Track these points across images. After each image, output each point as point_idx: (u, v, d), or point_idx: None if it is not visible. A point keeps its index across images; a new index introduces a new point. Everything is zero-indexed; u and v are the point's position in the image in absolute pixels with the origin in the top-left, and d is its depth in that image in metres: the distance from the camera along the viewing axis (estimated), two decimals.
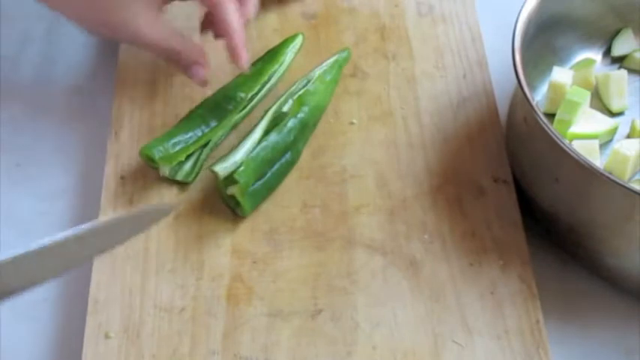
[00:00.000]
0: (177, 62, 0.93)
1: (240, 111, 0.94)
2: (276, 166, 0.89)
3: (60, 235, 0.70)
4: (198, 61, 0.92)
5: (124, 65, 0.99)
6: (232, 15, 0.91)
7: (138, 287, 0.83)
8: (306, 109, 0.92)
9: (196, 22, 0.96)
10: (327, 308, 0.82)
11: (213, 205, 0.88)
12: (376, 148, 0.93)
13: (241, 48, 0.91)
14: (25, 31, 1.06)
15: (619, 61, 0.99)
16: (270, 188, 0.89)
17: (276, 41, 1.00)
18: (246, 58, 0.91)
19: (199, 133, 0.91)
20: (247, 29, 0.92)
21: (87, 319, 0.81)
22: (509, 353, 0.79)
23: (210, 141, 0.91)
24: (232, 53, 0.91)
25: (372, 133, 0.94)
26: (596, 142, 0.89)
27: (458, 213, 0.88)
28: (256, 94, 0.95)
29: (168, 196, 0.89)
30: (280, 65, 0.98)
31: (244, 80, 0.94)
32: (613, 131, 0.93)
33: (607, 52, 1.00)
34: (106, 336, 0.79)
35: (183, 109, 0.95)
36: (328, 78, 0.95)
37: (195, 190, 0.90)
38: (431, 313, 0.81)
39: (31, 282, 0.70)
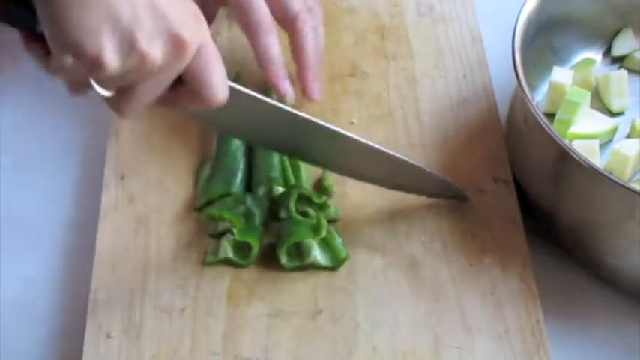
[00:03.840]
0: None
1: None
2: None
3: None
4: None
5: None
6: (310, 43, 0.91)
7: (138, 287, 0.83)
8: None
9: None
10: (328, 308, 0.82)
11: None
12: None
13: (311, 81, 0.92)
14: None
15: (619, 61, 1.00)
16: None
17: None
18: (317, 92, 0.92)
19: None
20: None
21: (87, 320, 0.80)
22: (510, 353, 0.79)
23: None
24: (305, 85, 0.92)
25: (372, 133, 0.94)
26: (596, 142, 0.89)
27: (458, 213, 0.88)
28: None
29: (169, 197, 0.89)
30: None
31: None
32: (613, 131, 0.93)
33: (607, 52, 1.00)
34: (108, 336, 0.79)
35: None
36: None
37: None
38: (431, 313, 0.81)
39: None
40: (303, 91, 0.92)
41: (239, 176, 0.89)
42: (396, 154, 0.85)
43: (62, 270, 0.87)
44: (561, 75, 0.94)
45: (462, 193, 0.88)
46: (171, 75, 0.72)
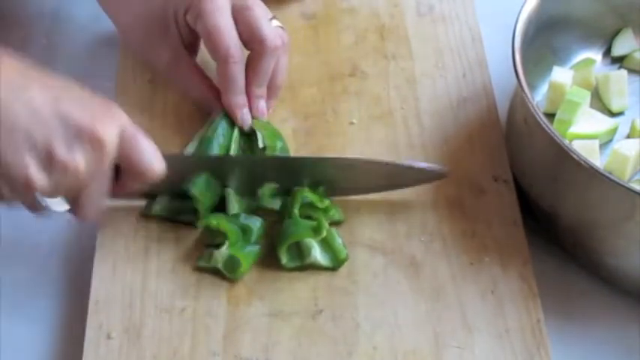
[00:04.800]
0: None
1: None
2: None
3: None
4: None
5: (123, 65, 0.99)
6: (266, 65, 0.91)
7: (138, 287, 0.83)
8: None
9: None
10: (328, 308, 0.82)
11: None
12: (376, 148, 0.93)
13: (254, 97, 0.92)
14: (26, 31, 1.06)
15: (619, 61, 1.00)
16: None
17: None
18: (260, 111, 0.92)
19: None
20: None
21: (88, 320, 0.80)
22: (510, 352, 0.79)
23: None
24: (248, 101, 0.91)
25: (372, 133, 0.94)
26: (596, 142, 0.89)
27: (458, 212, 0.88)
28: None
29: None
30: None
31: None
32: (613, 131, 0.93)
33: (607, 52, 1.00)
34: (108, 336, 0.79)
35: (183, 110, 0.95)
36: None
37: None
38: (431, 313, 0.81)
39: None
40: (249, 107, 0.92)
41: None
42: (366, 159, 0.88)
43: (62, 270, 0.87)
44: (561, 75, 0.94)
45: (440, 171, 0.88)
46: (105, 171, 0.75)
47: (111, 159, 0.75)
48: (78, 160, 0.72)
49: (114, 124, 0.75)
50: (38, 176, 0.71)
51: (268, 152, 0.89)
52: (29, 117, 0.71)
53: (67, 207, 0.76)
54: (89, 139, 0.72)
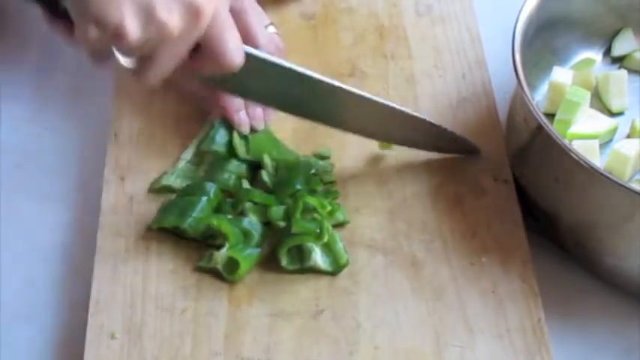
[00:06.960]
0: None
1: None
2: None
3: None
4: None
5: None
6: None
7: (139, 288, 0.83)
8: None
9: None
10: (329, 308, 0.82)
11: None
12: (376, 148, 0.93)
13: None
14: (26, 30, 1.06)
15: (619, 61, 1.00)
16: None
17: None
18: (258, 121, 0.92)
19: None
20: None
21: (88, 321, 0.80)
22: (512, 352, 0.79)
23: None
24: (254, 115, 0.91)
25: None
26: (596, 142, 0.90)
27: (458, 212, 0.88)
28: None
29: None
30: None
31: None
32: (613, 131, 0.93)
33: (607, 52, 1.00)
34: (111, 337, 0.79)
35: (181, 112, 0.95)
36: None
37: None
38: (432, 313, 0.81)
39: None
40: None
41: (197, 209, 0.86)
42: (409, 111, 0.89)
43: (62, 270, 0.87)
44: (561, 75, 0.94)
45: (473, 146, 0.90)
46: (189, 43, 0.75)
47: (200, 33, 0.75)
48: (174, 23, 0.73)
49: (213, 3, 0.75)
50: (133, 28, 0.71)
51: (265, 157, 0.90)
52: None
53: (132, 63, 0.76)
54: (190, 8, 0.73)
